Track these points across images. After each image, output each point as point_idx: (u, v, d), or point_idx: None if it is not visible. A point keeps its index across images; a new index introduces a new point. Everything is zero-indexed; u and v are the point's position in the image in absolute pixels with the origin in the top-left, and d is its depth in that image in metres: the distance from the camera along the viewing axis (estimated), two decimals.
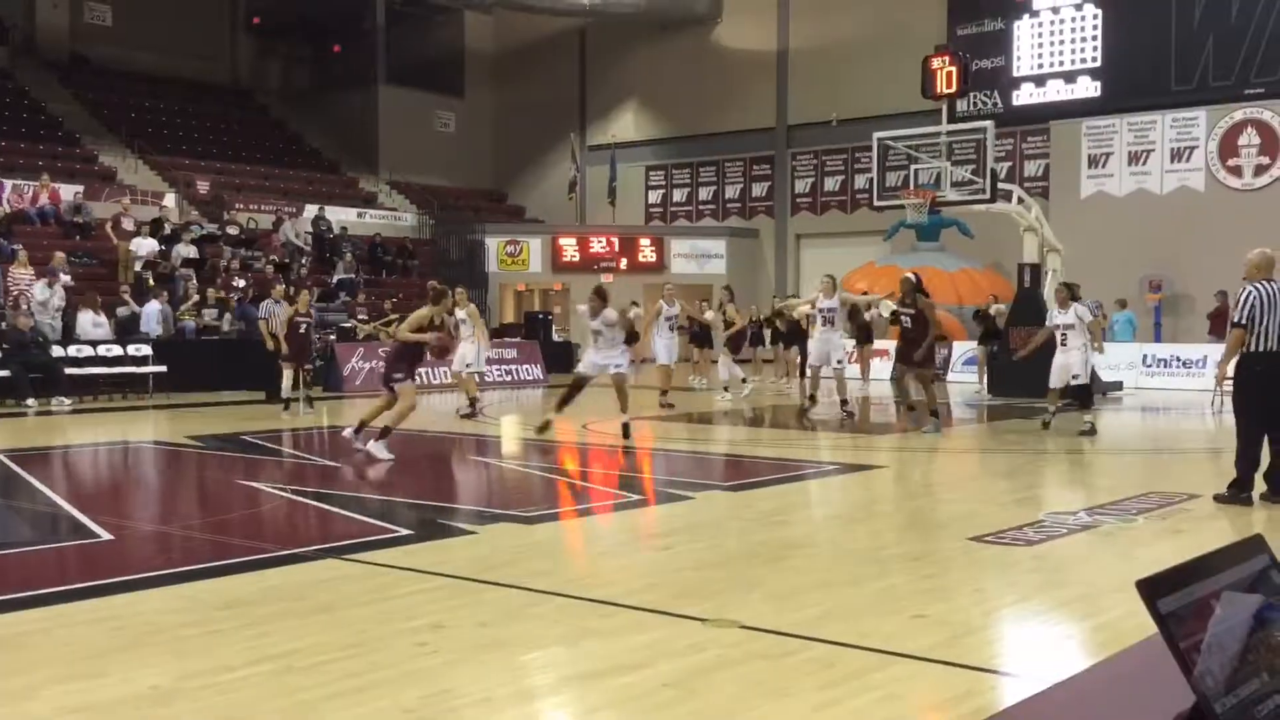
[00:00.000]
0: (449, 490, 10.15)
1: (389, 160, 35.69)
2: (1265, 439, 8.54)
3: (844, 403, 15.48)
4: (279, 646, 4.85)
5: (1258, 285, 8.41)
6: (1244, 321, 8.37)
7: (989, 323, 20.68)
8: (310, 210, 29.83)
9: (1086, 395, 13.58)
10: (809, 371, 16.32)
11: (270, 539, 7.56)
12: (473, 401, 16.26)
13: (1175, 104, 25.67)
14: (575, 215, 34.86)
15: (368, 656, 4.71)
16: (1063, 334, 13.50)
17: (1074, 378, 13.50)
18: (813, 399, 15.91)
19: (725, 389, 19.68)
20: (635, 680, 4.40)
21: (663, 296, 17.97)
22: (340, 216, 30.30)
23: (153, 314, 20.71)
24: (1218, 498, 8.55)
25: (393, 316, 24.03)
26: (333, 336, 21.91)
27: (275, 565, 6.53)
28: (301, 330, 17.11)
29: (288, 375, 17.02)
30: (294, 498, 9.23)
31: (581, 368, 13.35)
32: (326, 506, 8.90)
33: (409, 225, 33.17)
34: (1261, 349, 8.34)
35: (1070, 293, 13.78)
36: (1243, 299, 8.47)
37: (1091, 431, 13.21)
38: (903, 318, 13.95)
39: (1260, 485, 8.52)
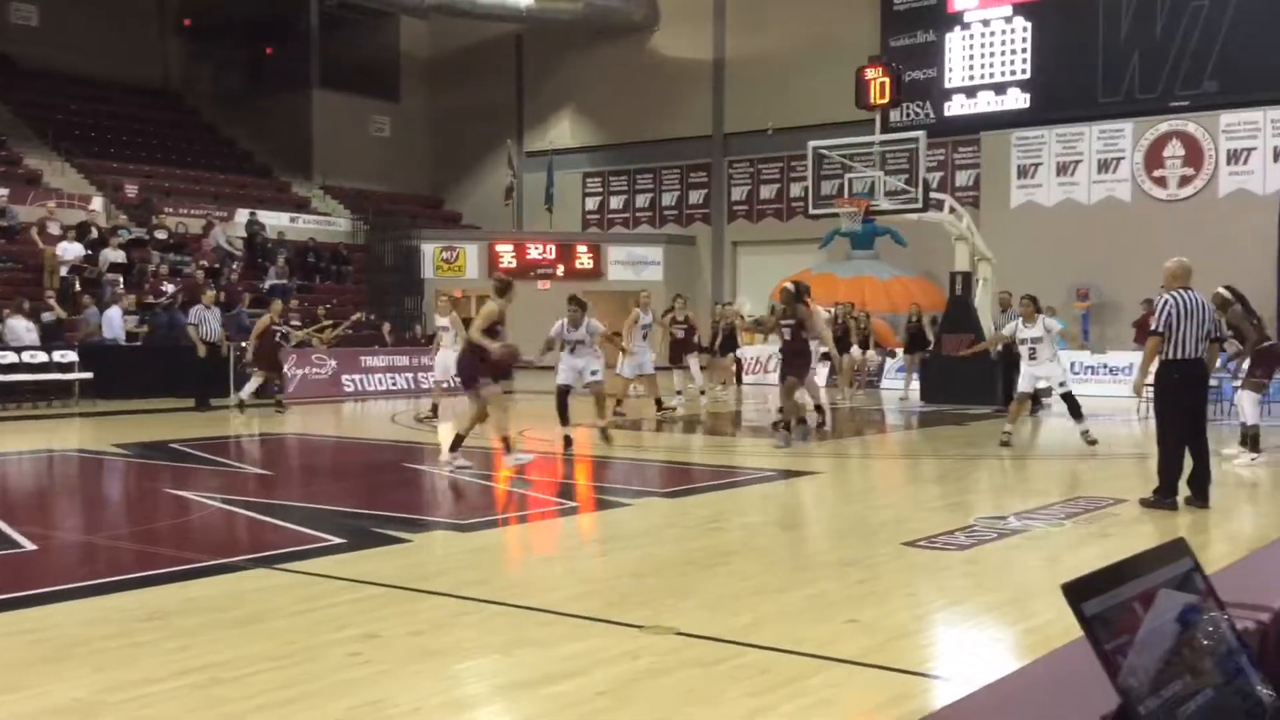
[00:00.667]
0: (384, 498, 10.03)
1: (323, 165, 35.31)
2: (1187, 445, 8.71)
3: (818, 409, 14.98)
4: (204, 658, 4.75)
5: (1174, 294, 8.58)
6: (1161, 330, 8.54)
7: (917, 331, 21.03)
8: (242, 215, 29.41)
9: (1075, 405, 13.14)
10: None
11: (198, 549, 7.42)
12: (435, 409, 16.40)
13: (1102, 116, 26.18)
14: (512, 221, 34.73)
15: (297, 667, 4.64)
16: (1031, 348, 13.20)
17: (1059, 385, 13.30)
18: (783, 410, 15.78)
19: (703, 392, 19.65)
20: (569, 689, 4.38)
21: (639, 305, 17.03)
22: (273, 221, 29.90)
23: (114, 319, 20.36)
24: (1144, 502, 8.70)
25: (327, 323, 23.77)
26: None
27: (202, 576, 6.41)
28: (277, 339, 18.19)
29: (255, 380, 17.94)
30: (223, 506, 9.08)
31: (563, 378, 13.07)
32: (257, 515, 8.77)
33: (343, 230, 32.83)
34: (1179, 356, 8.51)
35: (1035, 305, 13.44)
36: (1160, 307, 8.65)
37: (1092, 441, 12.78)
38: (783, 329, 13.55)
39: (1185, 490, 8.69)
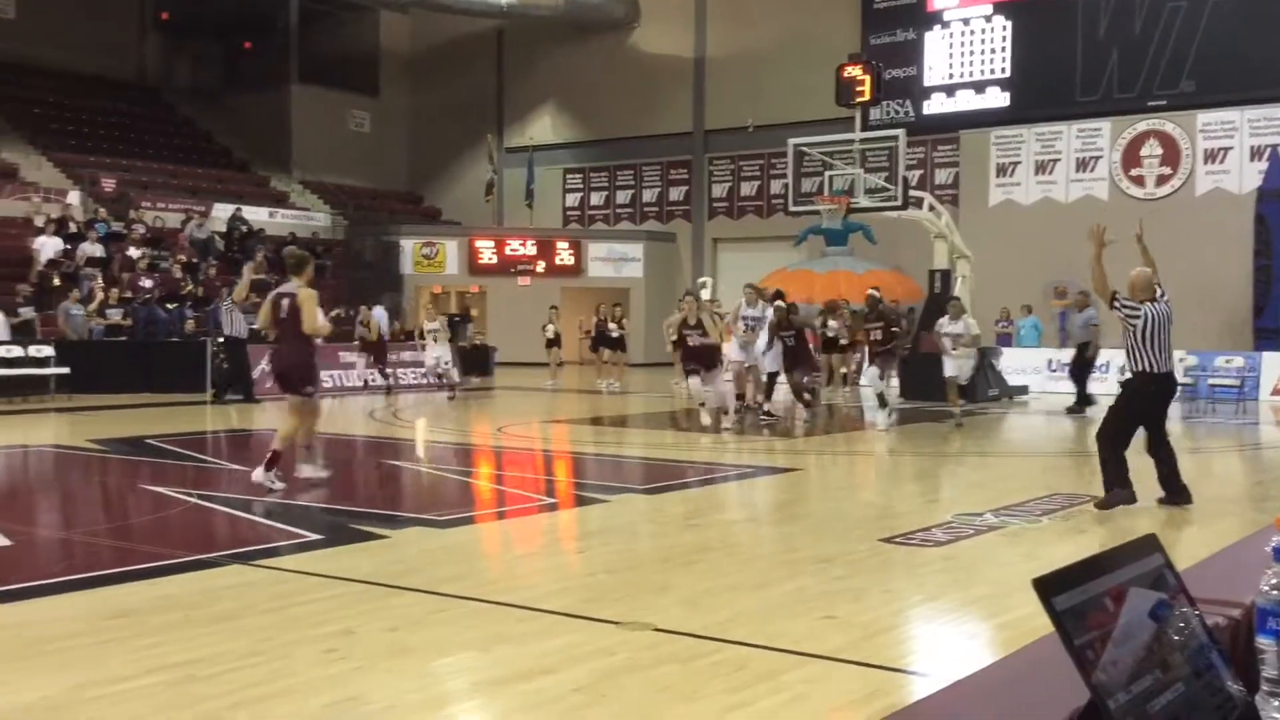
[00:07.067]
0: (361, 494, 9.99)
1: (301, 159, 35.14)
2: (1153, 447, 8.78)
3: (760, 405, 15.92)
4: (178, 655, 4.72)
5: (1147, 305, 8.73)
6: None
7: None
8: (219, 209, 29.25)
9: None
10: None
11: (172, 545, 7.37)
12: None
13: (1080, 115, 26.29)
14: (492, 217, 34.66)
15: (272, 664, 4.61)
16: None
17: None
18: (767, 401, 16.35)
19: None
20: (546, 685, 4.37)
21: (744, 296, 16.44)
22: (251, 216, 29.73)
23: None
24: (1160, 501, 8.75)
25: None
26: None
27: (176, 572, 6.37)
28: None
29: None
30: (199, 502, 9.03)
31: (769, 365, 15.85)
32: (232, 511, 8.72)
33: (322, 225, 32.68)
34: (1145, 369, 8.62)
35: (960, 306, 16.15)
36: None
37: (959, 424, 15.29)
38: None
39: (1158, 490, 8.73)
